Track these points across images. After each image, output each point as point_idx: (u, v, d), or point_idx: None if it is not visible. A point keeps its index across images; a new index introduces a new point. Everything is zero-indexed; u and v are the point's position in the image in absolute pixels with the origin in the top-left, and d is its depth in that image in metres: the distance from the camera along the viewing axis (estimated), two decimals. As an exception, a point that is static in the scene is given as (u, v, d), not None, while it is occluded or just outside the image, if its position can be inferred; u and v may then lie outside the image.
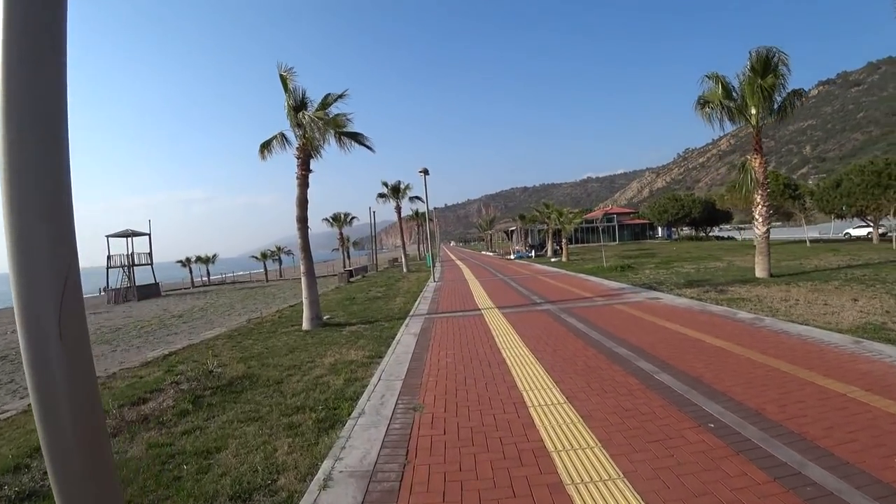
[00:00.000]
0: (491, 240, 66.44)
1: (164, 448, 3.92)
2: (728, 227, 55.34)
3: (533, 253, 37.70)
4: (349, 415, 4.34)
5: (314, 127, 9.77)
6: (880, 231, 30.26)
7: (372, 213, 36.92)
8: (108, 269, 36.03)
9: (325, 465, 3.32)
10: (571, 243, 32.76)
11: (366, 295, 16.48)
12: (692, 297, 9.98)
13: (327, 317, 11.02)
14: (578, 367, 5.29)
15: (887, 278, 10.86)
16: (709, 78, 13.14)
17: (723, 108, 12.87)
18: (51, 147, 1.15)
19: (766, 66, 12.13)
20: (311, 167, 10.33)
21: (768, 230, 12.91)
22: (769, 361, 5.01)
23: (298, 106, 10.09)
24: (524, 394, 4.53)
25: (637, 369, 5.06)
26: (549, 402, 4.25)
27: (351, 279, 27.71)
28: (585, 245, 53.65)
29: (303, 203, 10.18)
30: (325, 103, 10.31)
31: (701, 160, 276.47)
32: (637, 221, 65.70)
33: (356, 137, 10.97)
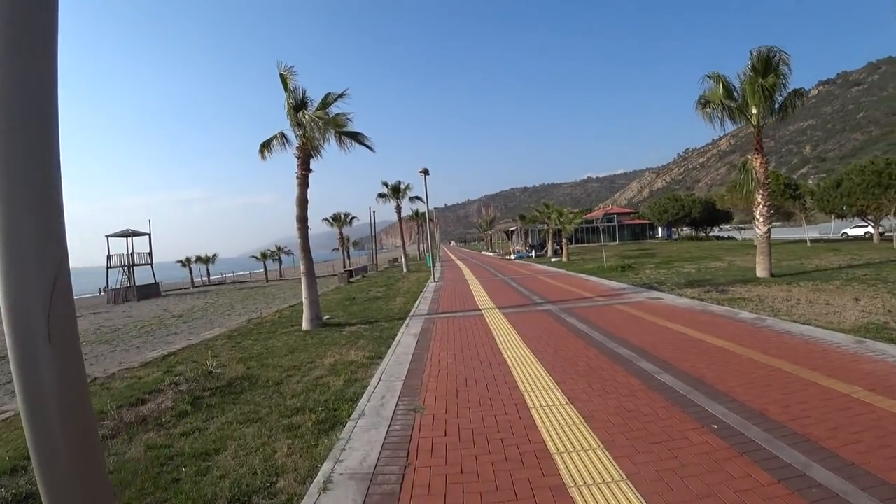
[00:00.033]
0: (491, 240, 66.40)
1: (163, 450, 3.88)
2: (728, 227, 55.33)
3: (533, 253, 37.67)
4: (349, 416, 4.31)
5: (314, 126, 9.74)
6: (880, 230, 30.25)
7: (372, 213, 36.93)
8: (107, 268, 35.99)
9: (325, 468, 3.29)
10: (571, 243, 32.74)
11: (366, 295, 16.45)
12: (693, 298, 9.95)
13: (327, 317, 10.99)
14: (580, 368, 5.26)
15: (888, 278, 10.83)
16: (710, 78, 13.13)
17: (724, 107, 12.86)
18: (41, 143, 1.11)
19: (767, 65, 12.11)
20: (312, 167, 10.30)
21: (769, 230, 12.88)
22: (771, 362, 4.98)
23: (298, 105, 10.06)
24: (525, 395, 4.49)
25: (639, 370, 5.03)
26: (551, 404, 4.21)
27: (351, 279, 27.68)
28: (585, 245, 53.63)
29: (303, 203, 10.15)
30: (326, 103, 10.28)
31: (701, 160, 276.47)
32: (637, 221, 65.68)
33: (356, 137, 10.94)
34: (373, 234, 41.60)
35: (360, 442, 3.68)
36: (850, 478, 2.71)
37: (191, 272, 49.34)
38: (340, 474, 3.18)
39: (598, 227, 56.34)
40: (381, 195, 34.73)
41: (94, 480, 1.17)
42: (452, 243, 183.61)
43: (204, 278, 50.19)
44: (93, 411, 1.26)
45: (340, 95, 10.33)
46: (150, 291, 35.77)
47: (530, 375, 5.11)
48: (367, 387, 5.20)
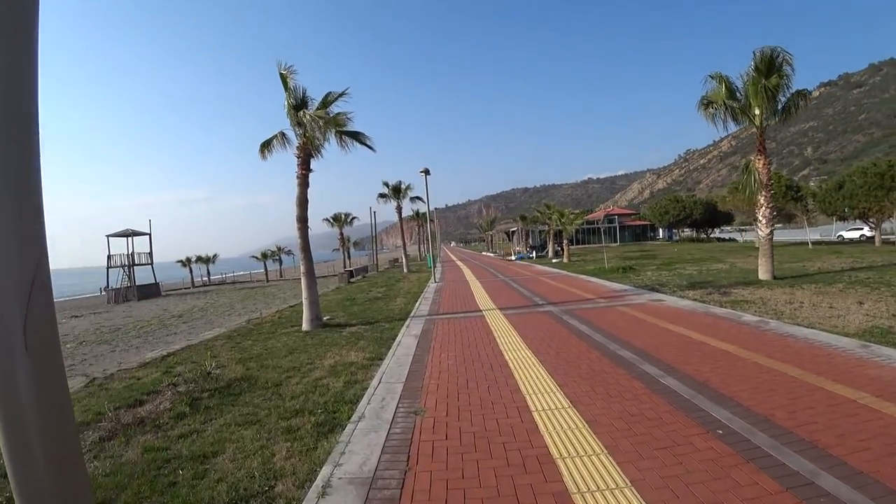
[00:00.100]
0: (492, 241, 66.32)
1: (160, 452, 3.83)
2: (729, 228, 55.24)
3: (534, 254, 37.60)
4: (349, 419, 4.26)
5: (315, 126, 9.69)
6: (874, 233, 30.21)
7: (372, 214, 36.88)
8: (108, 268, 35.96)
9: (324, 472, 3.24)
10: (572, 244, 32.69)
11: (366, 295, 16.40)
12: (695, 299, 9.90)
13: (327, 317, 10.94)
14: (582, 371, 5.21)
15: (892, 281, 10.77)
16: (712, 78, 13.08)
17: (726, 108, 12.81)
18: (18, 137, 1.05)
19: (770, 66, 12.05)
20: (312, 166, 10.25)
21: (772, 232, 12.83)
22: (776, 366, 4.93)
23: (299, 105, 10.01)
24: (527, 397, 4.44)
25: (642, 373, 4.98)
26: (553, 407, 4.16)
27: (351, 279, 27.64)
28: (586, 246, 53.56)
29: (303, 203, 10.10)
30: (326, 102, 10.23)
31: (702, 161, 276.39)
32: (638, 223, 65.62)
33: (357, 136, 10.89)
34: (373, 234, 41.55)
35: (360, 445, 3.63)
36: (860, 487, 2.65)
37: (191, 272, 49.31)
38: (340, 478, 3.12)
39: (598, 228, 56.25)
40: (382, 195, 34.69)
41: (75, 498, 1.10)
42: (453, 244, 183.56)
43: (204, 278, 50.15)
44: (75, 425, 1.20)
45: (341, 95, 10.29)
46: (151, 291, 35.74)
47: (532, 378, 5.05)
48: (367, 389, 5.15)
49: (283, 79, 10.02)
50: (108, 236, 37.24)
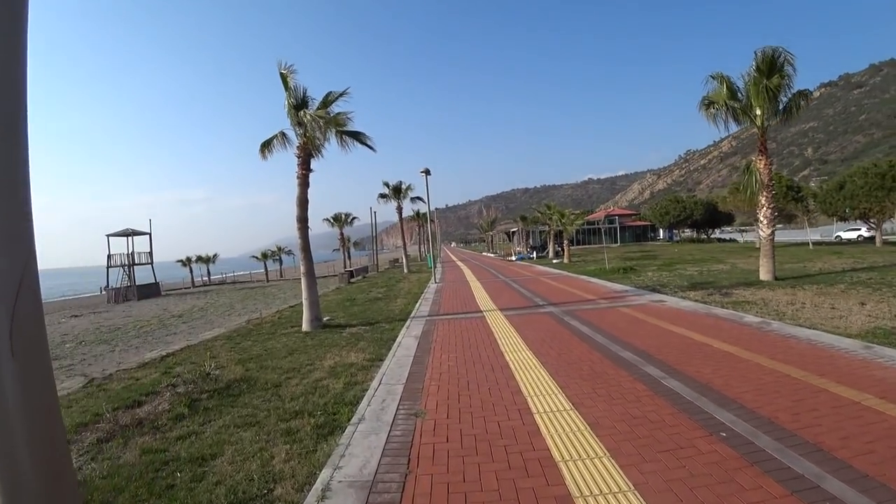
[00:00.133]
0: (492, 241, 66.25)
1: (158, 454, 3.80)
2: (730, 229, 55.22)
3: (534, 254, 37.57)
4: (349, 420, 4.22)
5: (315, 126, 9.66)
6: (871, 234, 30.21)
7: (373, 214, 36.85)
8: (108, 268, 35.94)
9: (324, 475, 3.20)
10: (573, 245, 32.64)
11: (366, 296, 16.37)
12: (697, 300, 9.87)
13: (327, 318, 10.91)
14: (584, 372, 5.17)
15: (894, 282, 10.73)
16: (713, 78, 13.06)
17: (727, 108, 12.77)
18: (5, 136, 1.01)
19: (771, 66, 12.03)
20: (312, 166, 10.22)
21: (773, 232, 12.79)
22: (779, 367, 4.89)
23: (299, 104, 9.98)
24: (529, 399, 4.41)
25: (644, 374, 4.94)
26: (555, 409, 4.13)
27: (351, 280, 27.61)
28: (587, 247, 53.52)
29: (303, 203, 10.07)
30: (327, 101, 10.20)
31: (702, 162, 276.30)
32: (638, 223, 65.57)
33: (357, 136, 10.86)
34: (373, 234, 41.52)
35: (360, 448, 3.60)
36: (865, 490, 2.62)
37: (191, 272, 49.27)
38: (339, 482, 3.09)
39: (599, 229, 56.21)
40: (382, 195, 34.66)
41: (64, 504, 1.06)
42: (453, 244, 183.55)
43: (204, 278, 50.11)
44: (63, 430, 1.16)
45: (341, 94, 10.26)
46: (151, 291, 35.71)
47: (533, 379, 5.02)
48: (367, 390, 5.12)
49: (284, 78, 9.99)
50: (108, 236, 37.23)
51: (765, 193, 12.77)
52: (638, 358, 5.60)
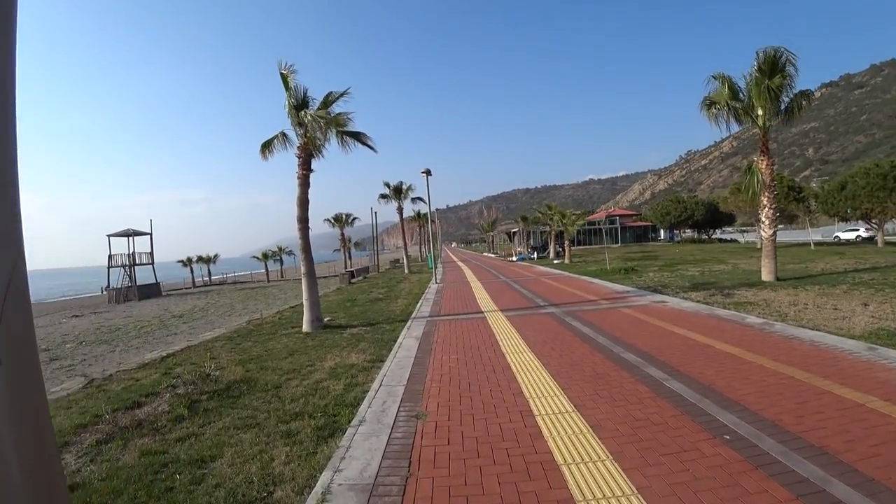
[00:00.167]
0: (493, 241, 66.22)
1: (158, 456, 3.78)
2: (731, 229, 55.15)
3: (535, 255, 37.52)
4: (349, 422, 4.20)
5: (316, 126, 9.64)
6: (869, 234, 30.13)
7: (374, 214, 36.84)
8: (108, 268, 35.96)
9: (324, 478, 3.17)
10: (574, 245, 32.59)
11: (367, 296, 16.34)
12: (698, 301, 9.83)
13: (328, 318, 10.89)
14: (586, 374, 5.14)
15: (897, 282, 10.69)
16: (715, 78, 13.02)
17: (729, 108, 12.74)
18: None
19: (773, 66, 11.99)
20: (313, 167, 10.20)
21: (775, 233, 12.76)
22: (782, 369, 4.86)
23: (300, 105, 9.96)
24: (530, 401, 4.38)
25: (646, 376, 4.91)
26: (557, 411, 4.10)
27: (352, 280, 27.59)
28: (588, 247, 53.47)
29: (304, 203, 10.05)
30: (327, 102, 10.18)
31: (703, 162, 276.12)
32: (639, 223, 65.49)
33: (358, 137, 10.84)
34: (374, 234, 41.50)
35: (361, 450, 3.57)
36: (872, 494, 2.59)
37: (192, 272, 49.28)
38: (340, 485, 3.06)
39: (600, 229, 56.12)
40: (383, 196, 34.64)
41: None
42: (454, 244, 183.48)
43: (205, 278, 50.13)
44: (53, 437, 1.13)
45: (342, 94, 10.24)
46: (152, 291, 35.72)
47: (535, 381, 4.99)
48: (367, 391, 5.09)
49: (284, 78, 9.98)
50: (109, 236, 37.25)
51: (767, 194, 12.73)
52: (640, 359, 5.56)
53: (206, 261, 51.05)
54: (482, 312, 10.13)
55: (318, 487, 3.05)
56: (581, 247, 52.22)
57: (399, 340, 7.75)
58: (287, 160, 10.45)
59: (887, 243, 26.42)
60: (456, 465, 3.23)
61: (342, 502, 2.86)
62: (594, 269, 20.20)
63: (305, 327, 9.64)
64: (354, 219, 45.47)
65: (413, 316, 10.42)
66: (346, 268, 36.21)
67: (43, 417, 1.07)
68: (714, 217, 49.06)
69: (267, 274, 49.96)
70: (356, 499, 2.88)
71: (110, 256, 36.22)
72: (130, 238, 37.27)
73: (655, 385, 4.61)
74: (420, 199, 38.33)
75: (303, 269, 10.08)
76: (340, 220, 44.46)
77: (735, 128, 13.55)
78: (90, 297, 42.39)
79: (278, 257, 54.32)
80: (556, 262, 29.53)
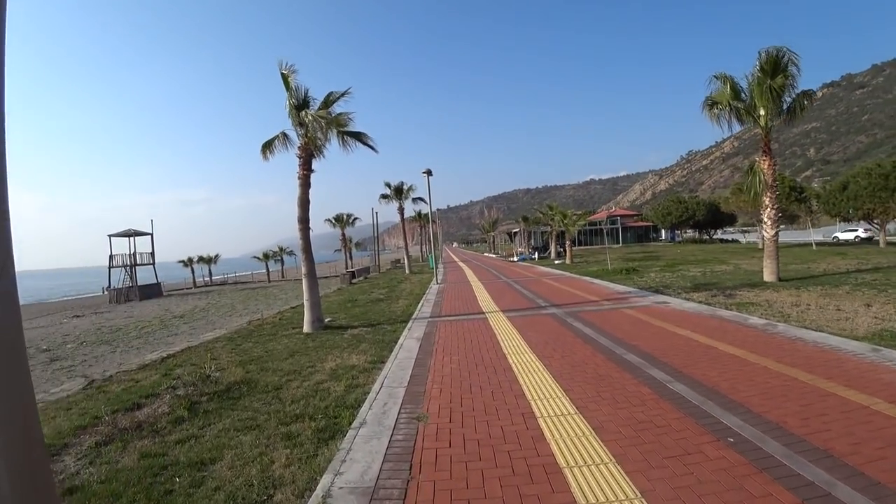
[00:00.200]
0: (493, 241, 66.15)
1: (157, 458, 3.75)
2: (732, 229, 55.07)
3: (536, 255, 37.48)
4: (350, 424, 4.17)
5: (316, 126, 9.62)
6: (868, 234, 30.02)
7: (374, 214, 36.85)
8: (109, 268, 36.01)
9: (325, 481, 3.15)
10: (575, 245, 32.53)
11: (368, 297, 16.32)
12: (700, 302, 9.79)
13: (329, 319, 10.87)
14: (588, 375, 5.11)
15: (900, 283, 10.64)
16: (717, 78, 12.99)
17: (731, 108, 12.70)
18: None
19: (775, 66, 11.96)
20: (314, 167, 10.18)
21: (777, 233, 12.72)
22: (786, 370, 4.83)
23: (300, 105, 9.95)
24: (532, 403, 4.35)
25: (649, 378, 4.88)
26: (559, 413, 4.07)
27: (353, 280, 27.57)
28: (589, 247, 53.41)
29: (304, 203, 10.03)
30: (328, 102, 10.17)
31: (704, 162, 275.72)
32: (640, 224, 65.42)
33: (359, 137, 10.82)
34: (375, 234, 41.49)
35: (362, 453, 3.54)
36: (878, 498, 2.56)
37: (193, 272, 49.32)
38: (340, 488, 3.04)
39: (601, 230, 56.01)
40: (384, 196, 34.63)
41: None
42: (455, 244, 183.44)
43: (206, 278, 50.18)
44: (42, 438, 1.10)
45: (343, 94, 10.22)
46: (152, 291, 35.75)
47: (537, 383, 4.96)
48: (368, 393, 5.07)
49: (285, 78, 9.96)
50: (110, 236, 37.31)
51: (768, 194, 12.69)
52: (642, 360, 5.53)
53: (207, 261, 51.10)
54: (483, 313, 10.10)
55: (319, 491, 3.02)
56: (582, 247, 52.16)
57: (400, 341, 7.72)
58: (288, 160, 10.41)
59: (889, 244, 26.33)
60: (457, 468, 3.20)
61: (343, 506, 2.83)
62: (595, 270, 20.16)
63: (306, 328, 9.62)
64: (355, 219, 45.45)
65: (414, 317, 10.40)
66: (346, 268, 36.19)
67: (31, 414, 1.03)
68: (715, 217, 49.00)
69: (268, 274, 49.98)
70: (357, 502, 2.85)
71: (111, 257, 36.29)
72: (131, 238, 37.33)
73: (658, 387, 4.58)
74: (421, 199, 38.36)
75: (303, 269, 10.06)
76: (341, 221, 44.44)
77: (737, 128, 13.52)
78: (91, 297, 42.44)
79: (279, 257, 54.34)
80: (557, 262, 29.49)
